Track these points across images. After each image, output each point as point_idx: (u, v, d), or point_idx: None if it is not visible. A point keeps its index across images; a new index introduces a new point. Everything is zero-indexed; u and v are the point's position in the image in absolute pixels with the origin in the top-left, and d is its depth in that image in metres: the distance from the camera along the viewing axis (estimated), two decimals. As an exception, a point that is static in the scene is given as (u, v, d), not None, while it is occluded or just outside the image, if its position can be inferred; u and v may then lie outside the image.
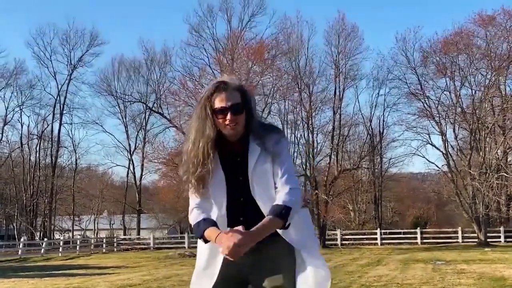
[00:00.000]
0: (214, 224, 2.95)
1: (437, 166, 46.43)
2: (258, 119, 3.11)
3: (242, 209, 3.03)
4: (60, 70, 65.74)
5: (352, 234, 46.46)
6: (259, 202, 3.00)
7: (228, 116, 2.93)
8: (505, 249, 31.49)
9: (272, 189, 3.02)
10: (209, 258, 3.09)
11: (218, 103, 2.95)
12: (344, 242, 43.40)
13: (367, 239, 44.40)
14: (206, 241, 2.97)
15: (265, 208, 2.96)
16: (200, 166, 2.98)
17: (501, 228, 42.00)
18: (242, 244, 2.73)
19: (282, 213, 2.88)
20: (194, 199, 3.08)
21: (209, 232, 2.92)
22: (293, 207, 2.91)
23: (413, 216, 58.90)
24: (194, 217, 3.03)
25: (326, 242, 41.38)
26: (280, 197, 2.94)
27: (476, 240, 39.52)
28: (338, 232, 44.50)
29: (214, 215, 3.03)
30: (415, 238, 42.95)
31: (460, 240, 42.15)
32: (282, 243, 3.01)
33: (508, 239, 40.66)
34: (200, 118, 2.99)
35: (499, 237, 41.13)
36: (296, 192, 2.99)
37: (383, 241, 42.68)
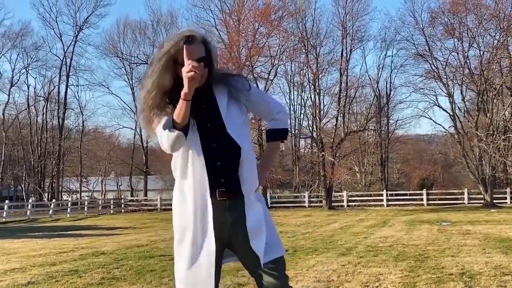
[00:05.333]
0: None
1: (444, 127, 46.43)
2: (217, 68, 3.18)
3: (216, 154, 3.07)
4: (65, 31, 65.77)
5: (358, 196, 46.63)
6: (237, 140, 3.06)
7: None
8: (511, 210, 31.58)
9: (244, 127, 3.18)
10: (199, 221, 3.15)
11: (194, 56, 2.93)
12: (350, 203, 43.59)
13: (373, 200, 44.57)
14: (180, 128, 2.97)
15: (242, 144, 3.08)
16: (158, 107, 3.03)
17: (507, 190, 42.02)
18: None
19: (285, 135, 3.39)
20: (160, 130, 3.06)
21: (177, 109, 2.94)
22: (288, 127, 3.42)
23: (419, 177, 58.95)
24: (164, 130, 3.00)
25: (332, 204, 41.57)
26: (278, 121, 3.37)
27: (482, 201, 39.62)
28: (344, 193, 44.66)
29: (191, 160, 3.10)
30: (421, 199, 43.08)
31: (466, 201, 42.26)
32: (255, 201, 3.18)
33: (514, 200, 40.77)
34: (161, 68, 2.98)
35: (505, 198, 41.19)
36: (286, 113, 3.45)
37: (389, 203, 42.84)
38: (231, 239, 3.14)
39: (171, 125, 2.95)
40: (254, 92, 3.21)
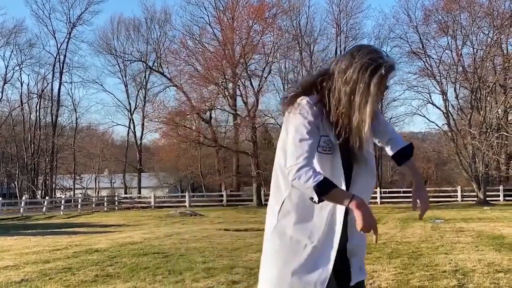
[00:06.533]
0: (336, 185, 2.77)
1: (437, 125, 46.56)
2: None
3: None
4: (59, 28, 65.84)
5: (352, 193, 46.57)
6: (367, 169, 2.98)
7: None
8: (504, 208, 31.65)
9: (373, 153, 3.08)
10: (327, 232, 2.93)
11: (386, 83, 2.80)
12: (344, 201, 43.53)
13: (367, 198, 44.52)
14: (320, 200, 2.74)
15: (367, 173, 3.00)
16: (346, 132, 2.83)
17: (500, 187, 42.17)
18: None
19: (412, 149, 3.12)
20: (302, 153, 2.76)
21: (338, 192, 2.76)
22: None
23: (413, 175, 58.99)
24: (309, 172, 2.71)
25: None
26: (400, 140, 3.14)
27: (476, 198, 39.72)
28: (338, 191, 44.61)
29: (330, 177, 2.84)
30: (415, 197, 43.03)
31: (459, 199, 42.37)
32: None
33: (507, 198, 40.86)
34: (372, 87, 2.71)
35: (498, 195, 41.34)
36: None
37: (383, 200, 42.90)
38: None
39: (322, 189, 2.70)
40: (378, 112, 3.01)
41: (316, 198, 2.72)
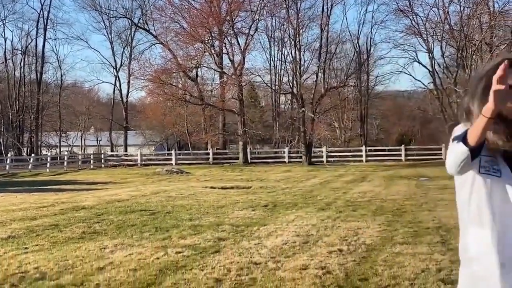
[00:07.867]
0: None
1: (423, 83, 46.67)
2: None
3: None
4: (42, -18, 64.27)
5: (337, 151, 46.83)
6: None
7: None
8: (488, 166, 31.91)
9: None
10: None
11: None
12: (329, 159, 43.76)
13: (352, 156, 44.72)
14: (471, 150, 2.45)
15: None
16: None
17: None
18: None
19: None
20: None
21: (470, 130, 2.44)
22: None
23: (398, 133, 59.43)
24: (454, 143, 2.52)
25: (312, 159, 41.75)
26: None
27: (460, 157, 39.97)
28: (324, 149, 44.82)
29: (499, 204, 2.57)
30: (400, 155, 43.29)
31: (443, 156, 42.60)
32: None
33: (491, 156, 41.13)
34: (482, 91, 2.58)
35: (482, 153, 41.60)
36: None
37: (368, 158, 43.07)
38: None
39: (462, 138, 2.46)
40: None
41: (465, 149, 2.45)
